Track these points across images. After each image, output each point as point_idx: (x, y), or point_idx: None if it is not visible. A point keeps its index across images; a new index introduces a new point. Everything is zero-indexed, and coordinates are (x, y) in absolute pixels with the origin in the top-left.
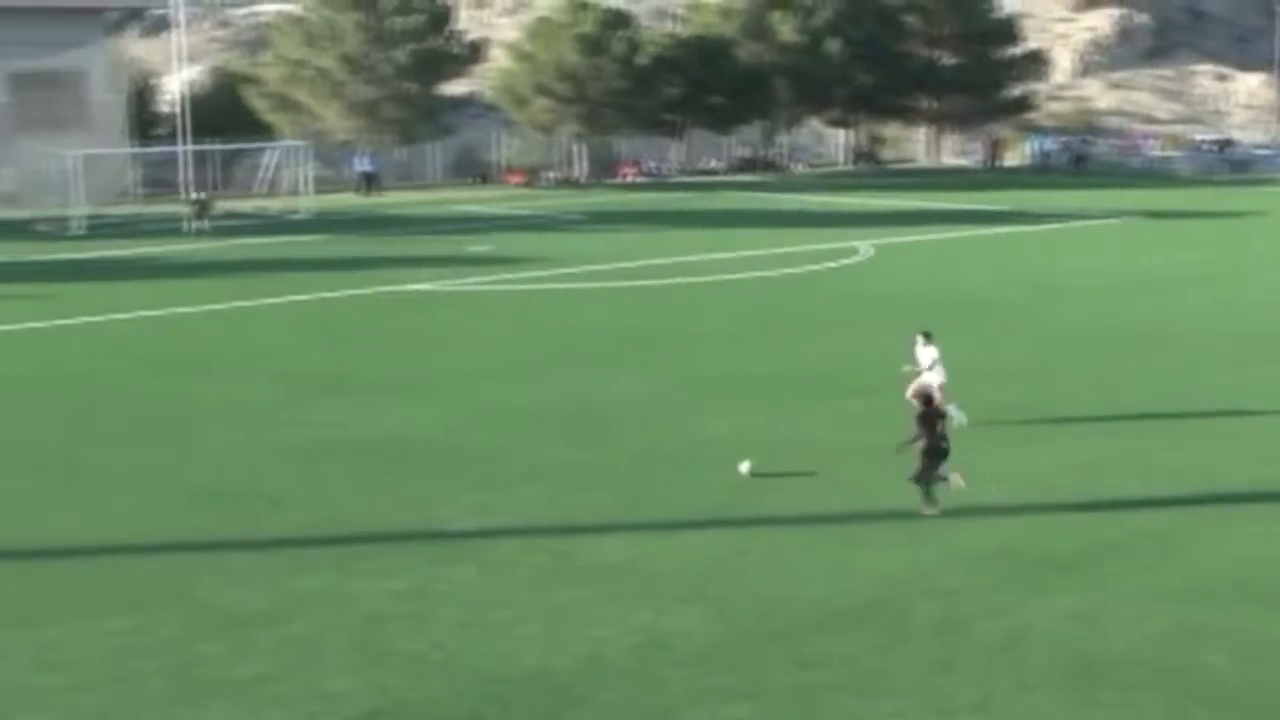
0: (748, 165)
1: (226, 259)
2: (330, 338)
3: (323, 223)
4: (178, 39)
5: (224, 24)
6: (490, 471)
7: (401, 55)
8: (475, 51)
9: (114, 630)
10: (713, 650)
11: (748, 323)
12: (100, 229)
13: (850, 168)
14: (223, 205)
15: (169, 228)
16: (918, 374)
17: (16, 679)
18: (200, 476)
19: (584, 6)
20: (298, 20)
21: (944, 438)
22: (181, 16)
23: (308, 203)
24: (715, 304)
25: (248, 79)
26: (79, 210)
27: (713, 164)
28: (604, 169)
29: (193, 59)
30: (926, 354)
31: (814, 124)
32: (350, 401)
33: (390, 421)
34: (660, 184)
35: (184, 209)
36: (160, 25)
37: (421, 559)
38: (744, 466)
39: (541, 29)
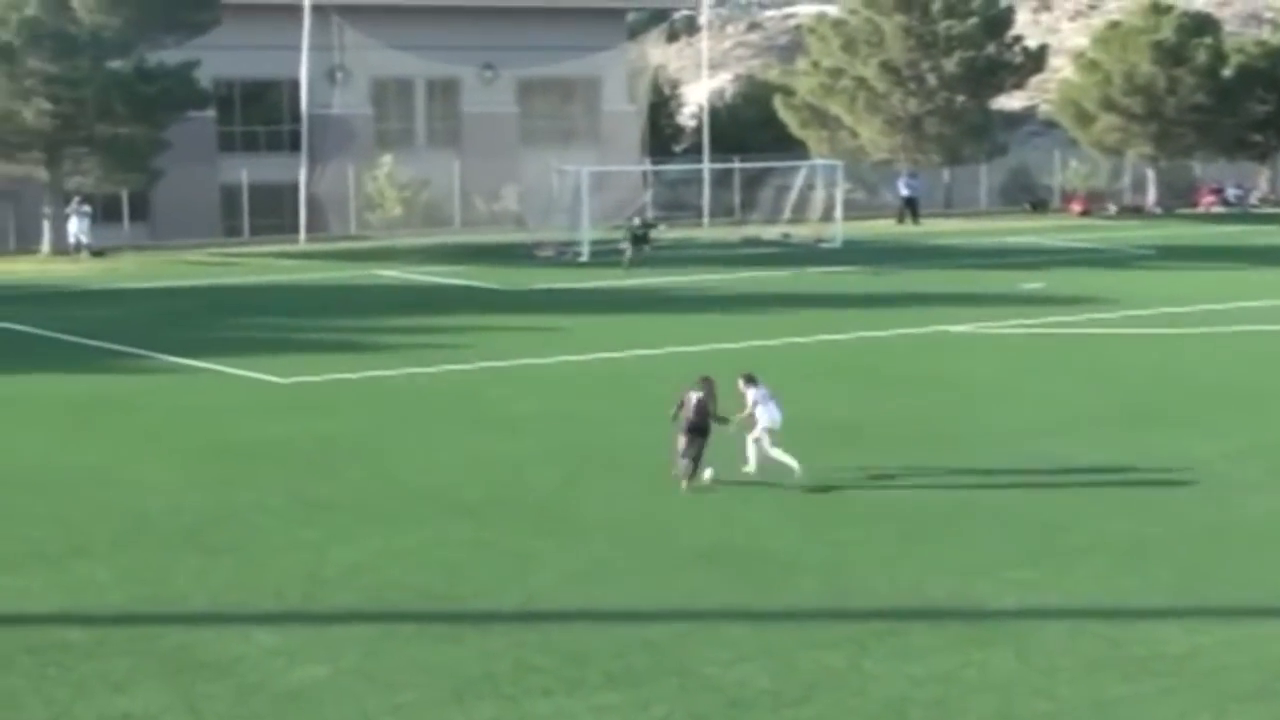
0: None
1: (744, 292)
2: (847, 383)
3: (853, 253)
4: (705, 44)
5: (755, 27)
6: (1042, 543)
7: (951, 64)
8: (1035, 60)
9: (604, 706)
10: None
11: None
12: (606, 255)
13: None
14: (742, 231)
15: (674, 256)
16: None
17: None
18: (703, 534)
19: (1164, 10)
20: (837, 24)
21: (713, 419)
22: (706, 20)
23: (838, 230)
24: None
25: (778, 89)
26: (586, 234)
27: None
28: (1177, 197)
29: (720, 66)
30: (751, 395)
31: None
32: (869, 455)
33: (916, 480)
34: (1243, 215)
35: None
36: (687, 28)
37: (952, 640)
38: (707, 473)
39: (1112, 35)
